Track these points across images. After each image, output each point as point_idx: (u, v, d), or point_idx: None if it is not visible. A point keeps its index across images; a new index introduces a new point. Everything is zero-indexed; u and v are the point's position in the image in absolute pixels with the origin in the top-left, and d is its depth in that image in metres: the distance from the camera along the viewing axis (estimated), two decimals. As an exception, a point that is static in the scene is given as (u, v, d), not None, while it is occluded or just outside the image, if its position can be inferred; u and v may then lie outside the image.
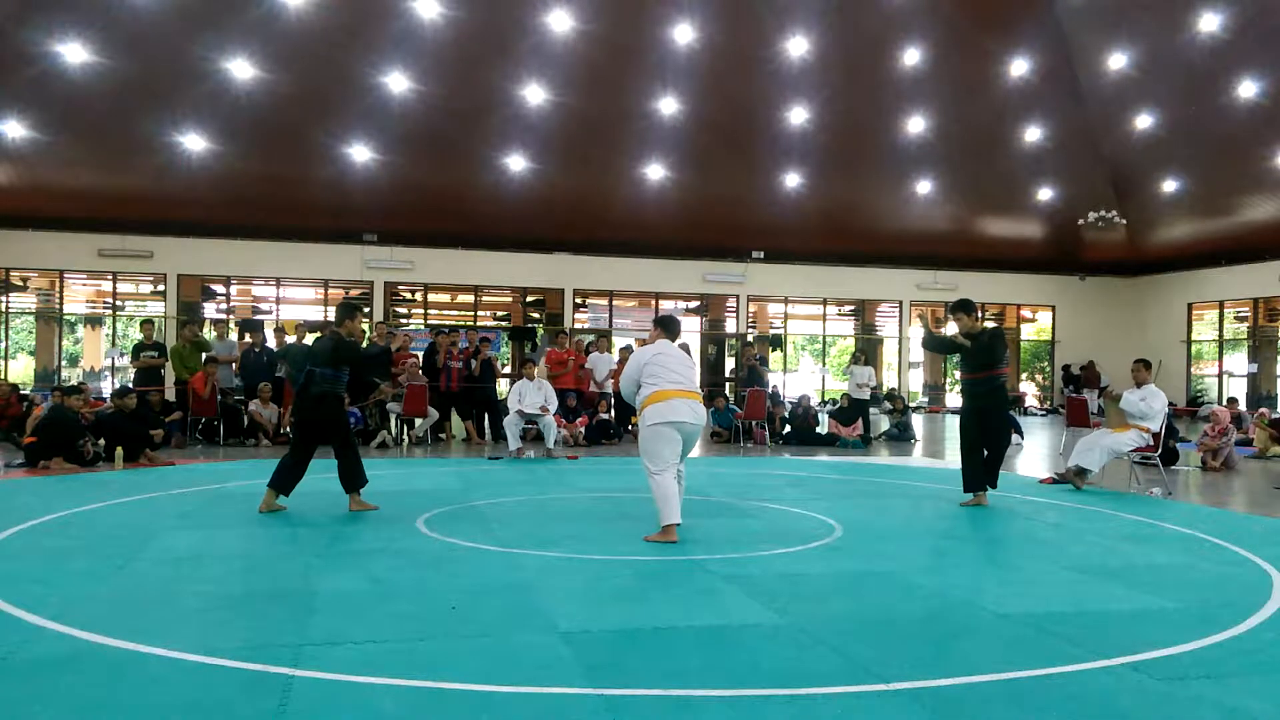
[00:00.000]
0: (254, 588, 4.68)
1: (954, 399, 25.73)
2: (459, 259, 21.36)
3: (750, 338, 22.39)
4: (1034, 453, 13.63)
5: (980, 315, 7.96)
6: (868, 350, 20.07)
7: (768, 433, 14.38)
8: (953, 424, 18.44)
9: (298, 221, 19.95)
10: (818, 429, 14.57)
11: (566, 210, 20.83)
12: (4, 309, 19.82)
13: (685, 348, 7.67)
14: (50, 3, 15.39)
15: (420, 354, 14.11)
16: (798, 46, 18.60)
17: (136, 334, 14.22)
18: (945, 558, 5.66)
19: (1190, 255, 23.15)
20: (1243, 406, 17.39)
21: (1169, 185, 21.43)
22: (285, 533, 6.18)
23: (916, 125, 20.51)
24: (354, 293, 21.29)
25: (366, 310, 20.74)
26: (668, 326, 6.55)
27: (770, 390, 15.16)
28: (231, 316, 20.24)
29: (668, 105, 19.25)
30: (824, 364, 25.76)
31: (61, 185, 18.67)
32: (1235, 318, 23.35)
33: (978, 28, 18.78)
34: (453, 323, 21.07)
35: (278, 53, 16.86)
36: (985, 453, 7.81)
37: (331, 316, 8.01)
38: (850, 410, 14.74)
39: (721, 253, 22.68)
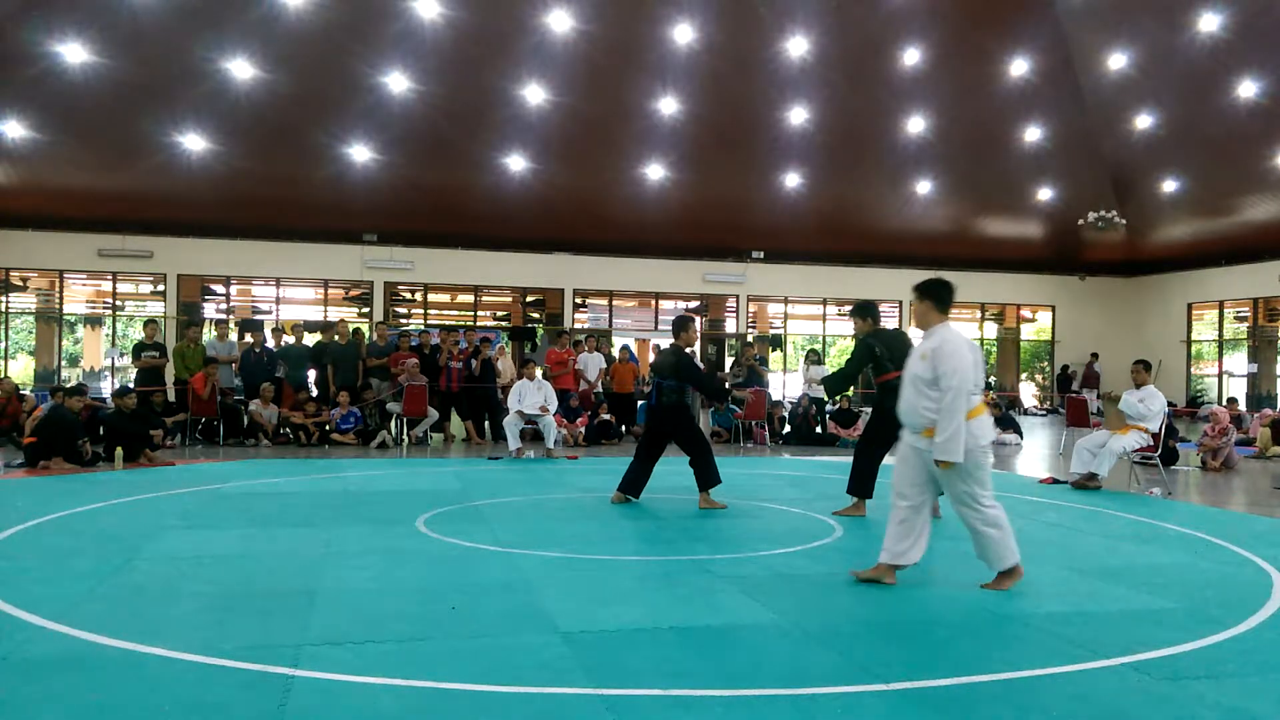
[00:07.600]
0: (254, 588, 4.68)
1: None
2: (459, 259, 21.34)
3: (750, 338, 22.38)
4: (1033, 453, 13.62)
5: (874, 320, 7.21)
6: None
7: (768, 433, 14.39)
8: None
9: (298, 221, 19.92)
10: (817, 429, 14.57)
11: (566, 210, 20.80)
12: (4, 309, 19.81)
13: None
14: (50, 3, 15.37)
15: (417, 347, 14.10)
16: (798, 46, 18.58)
17: (136, 334, 14.20)
18: (945, 558, 5.66)
19: (1190, 255, 23.12)
20: (1243, 406, 17.39)
21: (1169, 185, 21.40)
22: (285, 533, 6.19)
23: (916, 125, 20.49)
24: (354, 293, 21.28)
25: (365, 311, 20.75)
26: (940, 296, 4.95)
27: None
28: (231, 317, 20.23)
29: (667, 105, 19.23)
30: (824, 365, 25.71)
31: (61, 185, 18.64)
32: (1235, 318, 23.32)
33: (978, 28, 18.76)
34: (453, 323, 21.05)
35: (278, 53, 16.84)
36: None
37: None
38: (850, 411, 14.75)
39: (721, 253, 22.66)
